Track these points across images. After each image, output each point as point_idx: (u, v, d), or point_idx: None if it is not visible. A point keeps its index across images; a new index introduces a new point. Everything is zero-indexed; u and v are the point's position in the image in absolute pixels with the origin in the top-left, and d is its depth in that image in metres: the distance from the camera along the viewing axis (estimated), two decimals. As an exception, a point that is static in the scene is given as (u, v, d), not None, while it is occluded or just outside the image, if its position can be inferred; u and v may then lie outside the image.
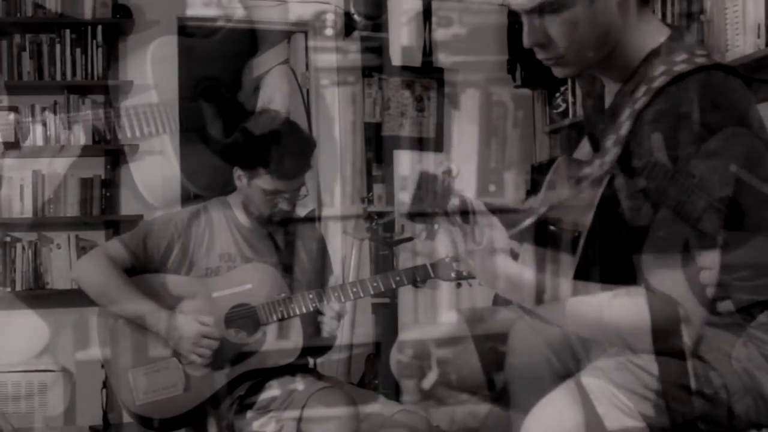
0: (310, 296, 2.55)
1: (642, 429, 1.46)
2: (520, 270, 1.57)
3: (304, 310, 2.55)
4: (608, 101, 1.64)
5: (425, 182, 1.55)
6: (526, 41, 1.56)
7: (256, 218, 2.66)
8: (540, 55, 1.58)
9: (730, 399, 1.48)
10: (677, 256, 1.44)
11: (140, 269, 2.60)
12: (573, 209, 1.61)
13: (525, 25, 1.56)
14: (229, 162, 2.69)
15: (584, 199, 1.59)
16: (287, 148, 2.58)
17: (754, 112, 1.52)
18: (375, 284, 2.57)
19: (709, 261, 1.47)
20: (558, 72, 1.60)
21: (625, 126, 1.50)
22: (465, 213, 1.55)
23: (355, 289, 2.57)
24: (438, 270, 2.57)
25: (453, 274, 2.56)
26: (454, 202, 1.54)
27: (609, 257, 1.54)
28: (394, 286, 2.58)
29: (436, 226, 1.55)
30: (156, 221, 2.72)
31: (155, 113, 4.43)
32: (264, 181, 2.58)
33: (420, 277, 2.57)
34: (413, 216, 1.54)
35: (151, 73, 4.44)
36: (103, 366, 2.68)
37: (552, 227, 1.60)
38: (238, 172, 2.64)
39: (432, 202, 1.52)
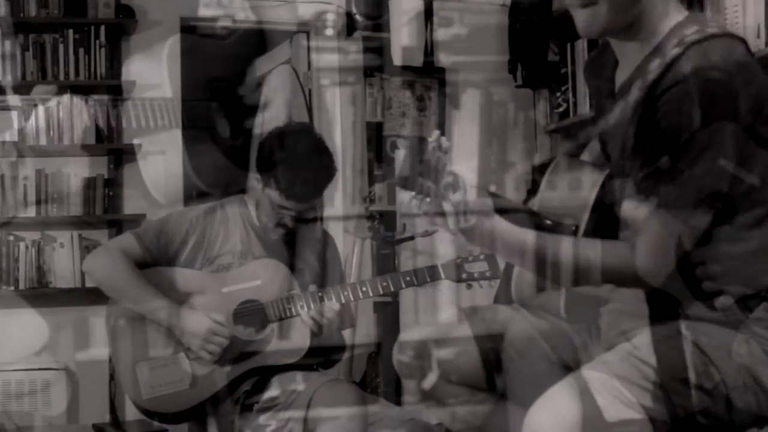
0: (319, 294, 2.56)
1: (642, 421, 1.49)
2: (519, 231, 1.59)
3: (312, 308, 2.55)
4: (620, 81, 1.66)
5: (416, 149, 1.57)
6: None
7: (263, 222, 2.68)
8: (574, 1, 1.59)
9: (729, 394, 1.50)
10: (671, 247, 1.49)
11: (152, 263, 2.62)
12: (569, 208, 1.63)
13: None
14: (251, 160, 2.70)
15: (580, 198, 1.62)
16: (302, 171, 2.55)
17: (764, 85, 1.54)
18: (384, 284, 2.57)
19: (702, 255, 1.50)
20: (586, 23, 1.60)
21: (635, 94, 1.54)
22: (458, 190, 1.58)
23: (364, 289, 2.57)
24: (448, 271, 2.58)
25: (464, 275, 2.57)
26: (447, 180, 1.57)
27: None
28: (404, 286, 2.58)
29: (428, 200, 1.57)
30: (171, 216, 2.73)
31: (160, 113, 4.44)
32: (273, 194, 2.59)
33: (430, 278, 2.57)
34: (406, 182, 1.56)
35: (160, 72, 4.46)
36: (111, 361, 2.69)
37: (548, 221, 1.62)
38: (255, 175, 2.66)
39: (426, 174, 1.55)
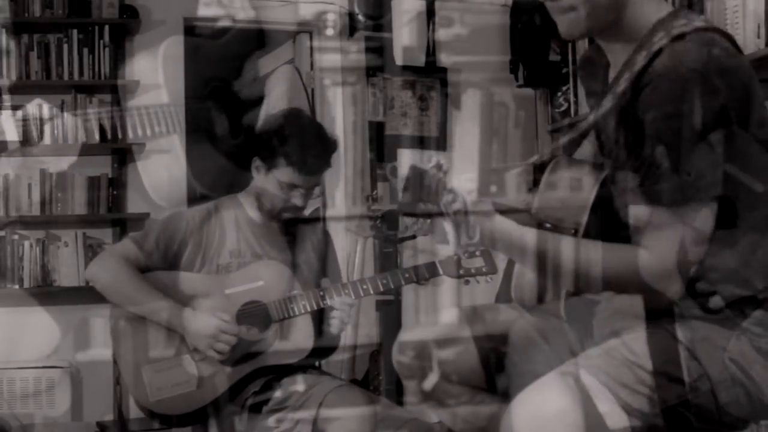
0: (321, 293, 2.58)
1: (638, 426, 1.50)
2: (519, 229, 1.62)
3: (315, 307, 2.58)
4: (612, 77, 1.67)
5: (416, 177, 1.60)
6: None
7: (267, 212, 2.69)
8: (553, 7, 1.61)
9: (713, 389, 1.51)
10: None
11: (153, 267, 2.64)
12: (569, 208, 1.65)
13: None
14: (249, 152, 2.71)
15: (580, 199, 1.63)
16: (311, 143, 2.62)
17: (755, 84, 1.54)
18: (384, 281, 2.60)
19: (697, 256, 1.52)
20: (567, 27, 1.61)
21: (622, 86, 1.55)
22: (458, 208, 1.61)
23: (365, 286, 2.60)
24: (446, 267, 2.60)
25: (461, 271, 2.59)
26: (447, 198, 1.59)
27: None
28: (403, 283, 2.61)
29: (428, 221, 1.59)
30: (168, 220, 2.75)
31: (163, 113, 4.47)
32: (283, 173, 2.62)
33: (429, 274, 2.60)
34: (407, 213, 1.59)
35: (162, 72, 4.48)
36: (116, 363, 2.71)
37: (547, 225, 1.64)
38: (256, 163, 2.67)
39: (425, 197, 1.57)
